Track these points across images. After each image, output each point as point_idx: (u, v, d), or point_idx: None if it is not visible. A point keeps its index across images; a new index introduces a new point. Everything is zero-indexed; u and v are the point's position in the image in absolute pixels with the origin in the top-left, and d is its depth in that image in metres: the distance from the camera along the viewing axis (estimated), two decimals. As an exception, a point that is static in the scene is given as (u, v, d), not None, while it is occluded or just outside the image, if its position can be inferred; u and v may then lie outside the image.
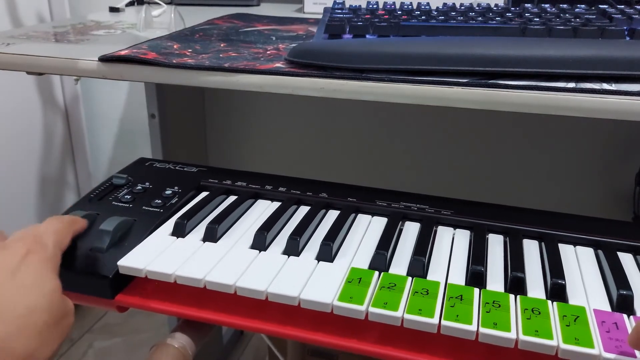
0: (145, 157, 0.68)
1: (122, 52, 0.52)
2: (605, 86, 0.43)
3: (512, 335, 0.39)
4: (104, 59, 0.52)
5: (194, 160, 1.08)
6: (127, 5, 0.85)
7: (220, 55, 0.53)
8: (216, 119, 1.10)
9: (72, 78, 1.18)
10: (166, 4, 0.75)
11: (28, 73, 0.57)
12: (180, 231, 0.52)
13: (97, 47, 0.57)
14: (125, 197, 0.58)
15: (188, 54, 0.54)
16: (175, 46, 0.57)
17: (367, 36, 0.55)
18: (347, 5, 0.67)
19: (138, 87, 1.16)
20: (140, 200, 0.57)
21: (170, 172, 0.64)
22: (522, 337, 0.39)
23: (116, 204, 0.57)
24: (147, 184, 0.60)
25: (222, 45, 0.58)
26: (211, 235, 0.51)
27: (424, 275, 0.46)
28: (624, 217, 0.94)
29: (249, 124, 1.08)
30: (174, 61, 0.51)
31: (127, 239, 0.51)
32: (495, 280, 0.46)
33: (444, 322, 0.40)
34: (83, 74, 0.54)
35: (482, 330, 0.39)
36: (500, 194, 1.00)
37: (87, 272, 0.48)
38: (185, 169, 0.64)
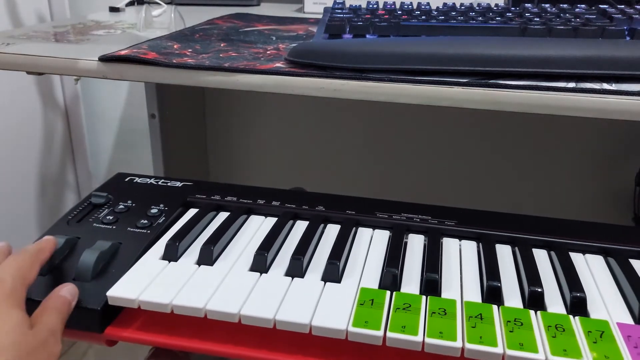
0: (123, 172, 0.64)
1: (122, 52, 0.52)
2: (606, 86, 0.43)
3: (540, 356, 0.38)
4: (104, 59, 0.52)
5: (195, 160, 1.08)
6: (127, 5, 0.85)
7: (221, 55, 0.53)
8: (216, 119, 1.10)
9: (72, 78, 1.18)
10: (166, 3, 0.75)
11: (28, 73, 0.57)
12: (172, 254, 0.49)
13: (97, 47, 0.57)
14: (107, 217, 0.54)
15: (188, 53, 0.54)
16: (175, 46, 0.57)
17: (367, 36, 0.55)
18: (347, 5, 0.67)
19: (138, 87, 1.16)
20: (124, 221, 0.54)
21: (153, 188, 0.60)
22: (551, 357, 0.37)
23: (98, 225, 0.53)
24: (129, 202, 0.57)
25: (222, 45, 0.58)
26: (207, 258, 0.48)
27: (438, 293, 0.44)
28: (623, 217, 0.94)
29: (249, 123, 1.08)
30: (174, 61, 0.51)
31: (114, 264, 0.47)
32: (512, 296, 0.44)
33: (468, 346, 0.38)
34: (83, 74, 0.54)
35: (510, 352, 0.38)
36: (499, 195, 1.00)
37: None
38: (169, 184, 0.61)
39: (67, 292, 0.43)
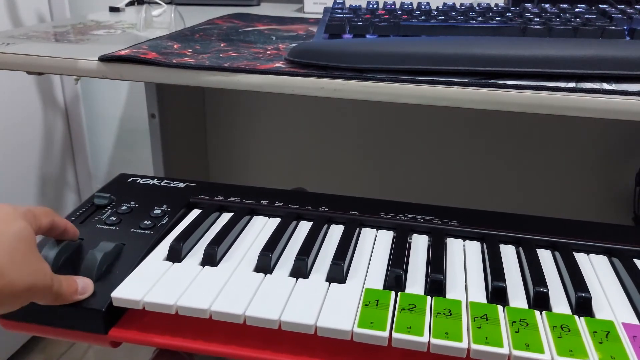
0: (126, 173, 0.64)
1: (122, 52, 0.52)
2: (606, 86, 0.43)
3: (546, 357, 0.38)
4: (104, 59, 0.52)
5: (195, 160, 1.08)
6: (127, 5, 0.85)
7: (221, 55, 0.53)
8: (216, 119, 1.10)
9: (72, 78, 1.18)
10: (166, 3, 0.75)
11: (28, 73, 0.57)
12: (176, 255, 0.48)
13: (97, 47, 0.57)
14: (110, 218, 0.54)
15: (188, 53, 0.54)
16: (175, 46, 0.57)
17: (367, 36, 0.55)
18: (347, 5, 0.67)
19: (138, 87, 1.16)
20: (128, 222, 0.53)
21: (156, 189, 0.60)
22: (557, 358, 0.37)
23: (101, 226, 0.53)
24: (132, 203, 0.57)
25: (222, 45, 0.58)
26: (211, 259, 0.48)
27: (443, 293, 0.44)
28: (624, 217, 0.94)
29: (249, 123, 1.08)
30: (174, 61, 0.51)
31: (118, 266, 0.47)
32: (517, 296, 0.44)
33: (474, 346, 0.38)
34: (83, 74, 0.54)
35: (516, 352, 0.38)
36: (501, 195, 1.00)
37: (76, 305, 0.43)
38: (172, 185, 0.61)
39: (82, 285, 0.44)
